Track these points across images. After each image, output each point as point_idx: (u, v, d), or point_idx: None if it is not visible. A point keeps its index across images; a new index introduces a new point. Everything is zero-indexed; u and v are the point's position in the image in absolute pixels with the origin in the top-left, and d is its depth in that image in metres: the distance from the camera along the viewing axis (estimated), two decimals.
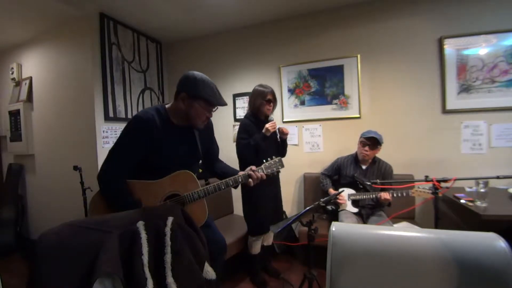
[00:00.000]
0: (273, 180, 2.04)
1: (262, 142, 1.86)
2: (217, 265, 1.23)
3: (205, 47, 3.19)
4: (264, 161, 1.45)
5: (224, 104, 1.27)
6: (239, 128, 1.99)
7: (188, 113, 1.23)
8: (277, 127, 2.01)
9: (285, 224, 1.42)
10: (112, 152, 1.19)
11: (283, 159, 2.12)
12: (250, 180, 1.37)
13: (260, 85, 2.00)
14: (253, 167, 1.40)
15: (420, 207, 2.28)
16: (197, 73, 1.23)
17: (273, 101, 1.98)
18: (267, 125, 1.87)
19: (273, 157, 1.47)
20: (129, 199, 1.17)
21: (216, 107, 1.28)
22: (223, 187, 1.32)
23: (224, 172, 1.46)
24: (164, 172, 1.24)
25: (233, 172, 1.44)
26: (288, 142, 2.75)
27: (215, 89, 1.24)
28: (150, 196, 1.22)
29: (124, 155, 1.18)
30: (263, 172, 1.41)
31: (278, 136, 2.09)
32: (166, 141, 1.22)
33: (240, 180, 1.36)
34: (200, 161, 1.57)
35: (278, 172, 1.47)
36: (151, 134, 1.18)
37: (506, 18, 2.13)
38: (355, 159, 2.19)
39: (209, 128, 1.46)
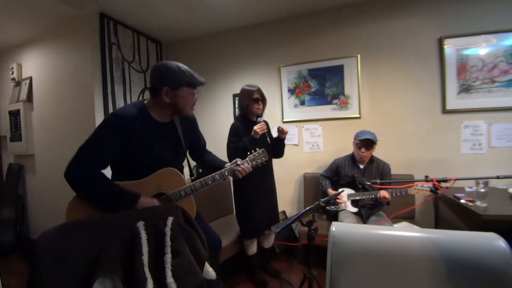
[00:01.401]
0: (267, 182, 2.03)
1: (250, 144, 1.78)
2: (212, 262, 1.23)
3: (205, 47, 3.19)
4: (249, 153, 1.45)
5: (204, 81, 1.26)
6: (229, 131, 1.95)
7: (176, 104, 1.20)
8: (277, 126, 1.97)
9: (285, 224, 1.42)
10: (83, 147, 1.12)
11: (281, 159, 2.14)
12: (237, 173, 1.37)
13: (247, 85, 1.96)
14: (239, 160, 1.40)
15: (420, 207, 2.28)
16: (167, 62, 1.18)
17: (261, 99, 1.93)
18: (255, 127, 1.80)
19: (257, 149, 1.47)
20: (118, 190, 1.11)
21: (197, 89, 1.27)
22: (210, 183, 1.29)
23: (213, 165, 1.46)
24: (148, 170, 1.20)
25: (221, 164, 1.44)
26: (288, 142, 2.76)
27: (190, 70, 1.21)
28: None
29: (97, 151, 1.12)
30: (249, 164, 1.41)
31: (268, 139, 2.03)
32: (148, 138, 1.19)
33: (226, 173, 1.35)
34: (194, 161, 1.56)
35: (262, 163, 1.46)
36: (130, 132, 1.13)
37: (506, 18, 2.14)
38: (352, 159, 2.19)
39: (192, 122, 1.45)
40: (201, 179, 1.28)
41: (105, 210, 1.11)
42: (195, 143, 1.50)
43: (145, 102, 1.24)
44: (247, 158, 1.43)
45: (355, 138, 2.12)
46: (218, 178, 1.32)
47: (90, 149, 1.12)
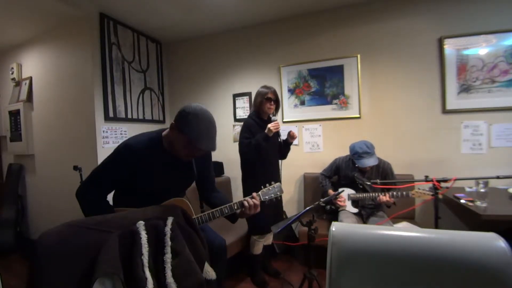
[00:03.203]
0: (275, 180, 2.04)
1: (263, 142, 1.86)
2: (218, 266, 1.23)
3: (205, 47, 3.19)
4: (262, 187, 1.38)
5: (210, 149, 1.16)
6: (242, 127, 2.01)
7: (173, 143, 1.20)
8: (289, 131, 2.06)
9: (285, 224, 1.42)
10: (94, 171, 1.21)
11: (283, 161, 2.15)
12: (245, 208, 1.29)
13: (263, 86, 2.04)
14: (254, 194, 1.33)
15: (420, 207, 2.28)
16: (195, 108, 1.14)
17: (274, 100, 1.99)
18: (269, 125, 1.86)
19: (272, 182, 1.40)
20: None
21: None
22: (217, 215, 1.29)
23: (220, 203, 1.38)
24: (156, 197, 1.22)
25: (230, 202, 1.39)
26: None
27: (205, 130, 1.13)
28: None
29: (104, 177, 1.20)
30: (260, 198, 1.34)
31: (280, 138, 2.08)
32: (156, 169, 1.21)
33: (235, 207, 1.30)
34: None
35: (276, 198, 1.39)
36: (136, 163, 1.17)
37: (506, 18, 2.14)
38: (352, 160, 2.18)
39: (206, 154, 1.41)
40: (209, 212, 1.28)
41: None
42: (205, 176, 1.44)
43: (163, 133, 1.25)
44: (259, 192, 1.36)
45: (353, 156, 2.04)
46: (226, 212, 1.30)
47: (99, 175, 1.20)
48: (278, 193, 1.39)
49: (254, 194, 1.34)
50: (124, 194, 1.29)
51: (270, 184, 1.40)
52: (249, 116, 2.07)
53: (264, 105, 1.97)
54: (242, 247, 2.12)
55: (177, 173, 1.28)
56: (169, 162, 1.23)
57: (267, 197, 1.36)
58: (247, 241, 2.11)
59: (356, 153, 2.00)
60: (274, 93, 2.00)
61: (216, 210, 1.29)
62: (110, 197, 1.28)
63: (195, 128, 1.11)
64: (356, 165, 2.04)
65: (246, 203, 1.29)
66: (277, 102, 2.02)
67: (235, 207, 1.30)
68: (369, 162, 1.93)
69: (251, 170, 1.99)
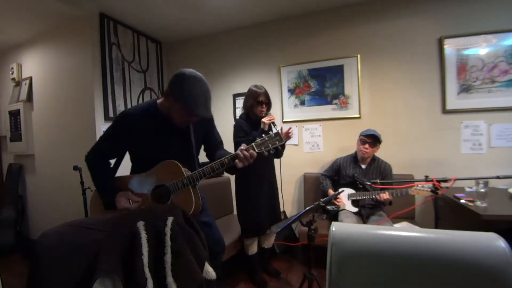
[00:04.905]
0: (269, 180, 2.04)
1: (260, 136, 1.83)
2: (214, 265, 1.23)
3: (205, 47, 3.19)
4: (258, 138, 1.19)
5: (204, 115, 1.15)
6: (235, 128, 1.97)
7: (170, 111, 1.21)
8: (289, 129, 1.93)
9: (285, 224, 1.42)
10: (99, 138, 1.33)
11: (283, 161, 2.13)
12: (236, 161, 1.16)
13: (255, 86, 1.96)
14: (243, 145, 1.18)
15: (420, 207, 2.28)
16: (188, 72, 1.13)
17: (266, 103, 1.92)
18: (263, 119, 1.85)
19: (270, 132, 1.19)
20: (106, 181, 1.28)
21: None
22: (209, 172, 1.18)
23: (220, 157, 1.38)
24: (154, 163, 1.25)
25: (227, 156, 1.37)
26: (288, 142, 2.76)
27: (201, 95, 1.13)
28: None
29: (106, 144, 1.30)
30: (254, 150, 1.16)
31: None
32: (154, 135, 1.24)
33: (226, 161, 1.17)
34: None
35: (275, 149, 1.16)
36: (133, 129, 1.22)
37: (506, 18, 2.14)
38: (354, 159, 2.19)
39: (208, 120, 1.40)
40: (199, 170, 1.19)
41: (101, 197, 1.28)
42: (208, 140, 1.46)
43: (158, 101, 1.28)
44: (253, 144, 1.18)
45: (360, 135, 2.12)
46: (217, 168, 1.18)
47: (102, 142, 1.30)
48: (278, 142, 1.15)
49: (243, 145, 1.17)
50: (132, 160, 1.37)
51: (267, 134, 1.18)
52: (239, 117, 2.04)
53: (256, 108, 1.91)
54: (241, 247, 2.12)
55: (174, 139, 1.29)
56: (165, 129, 1.26)
57: (263, 148, 1.15)
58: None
59: (368, 130, 2.08)
60: (265, 94, 1.92)
61: (206, 167, 1.18)
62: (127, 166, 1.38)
63: (191, 95, 1.11)
64: (360, 135, 2.11)
65: (238, 162, 1.15)
66: (268, 104, 1.95)
67: (226, 161, 1.17)
68: (371, 132, 2.04)
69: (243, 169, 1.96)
